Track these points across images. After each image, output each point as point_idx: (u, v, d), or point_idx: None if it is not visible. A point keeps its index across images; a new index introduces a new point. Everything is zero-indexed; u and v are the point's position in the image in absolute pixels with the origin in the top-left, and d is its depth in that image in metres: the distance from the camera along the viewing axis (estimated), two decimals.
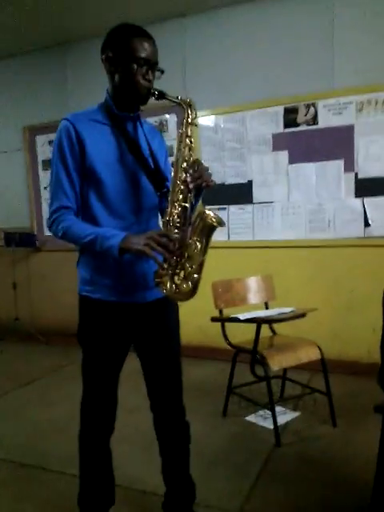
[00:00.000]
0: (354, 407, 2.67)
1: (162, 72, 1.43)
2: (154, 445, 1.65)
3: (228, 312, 2.62)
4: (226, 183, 3.62)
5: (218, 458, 2.21)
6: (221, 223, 1.37)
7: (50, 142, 4.29)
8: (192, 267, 1.37)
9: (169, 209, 1.38)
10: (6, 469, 2.19)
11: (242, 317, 2.41)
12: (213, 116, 3.62)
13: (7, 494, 1.98)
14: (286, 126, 3.41)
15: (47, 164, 4.33)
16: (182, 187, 1.38)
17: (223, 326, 2.60)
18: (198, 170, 1.38)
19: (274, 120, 3.45)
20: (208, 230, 1.38)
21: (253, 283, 2.81)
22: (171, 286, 1.38)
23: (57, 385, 3.29)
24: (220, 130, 3.63)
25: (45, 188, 4.38)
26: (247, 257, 3.52)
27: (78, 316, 1.55)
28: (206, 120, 3.66)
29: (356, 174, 3.22)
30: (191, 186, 1.37)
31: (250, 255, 3.53)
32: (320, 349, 2.49)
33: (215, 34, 3.56)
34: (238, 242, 3.57)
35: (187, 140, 1.41)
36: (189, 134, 1.41)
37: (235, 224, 3.61)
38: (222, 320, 2.59)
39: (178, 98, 1.42)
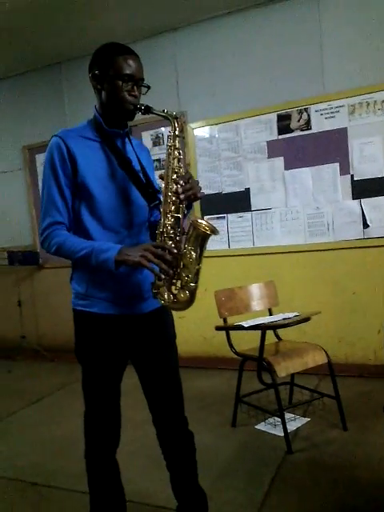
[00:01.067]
0: (364, 409, 2.65)
1: (148, 88, 1.46)
2: (163, 458, 1.64)
3: (232, 320, 2.63)
4: (224, 192, 3.65)
5: (230, 468, 2.19)
6: (214, 231, 1.39)
7: None
8: (188, 276, 1.38)
9: (162, 220, 1.40)
10: (16, 489, 2.19)
11: (246, 324, 2.41)
12: (207, 127, 3.66)
13: None
14: (280, 132, 3.44)
15: None
16: (173, 198, 1.40)
17: (228, 335, 2.60)
18: (188, 182, 1.40)
19: (267, 127, 3.48)
20: (202, 238, 1.39)
21: (255, 290, 2.81)
22: (169, 296, 1.39)
23: (64, 402, 3.29)
24: (215, 140, 3.66)
25: None
26: (248, 264, 3.53)
27: (74, 332, 1.53)
28: (200, 131, 3.70)
29: (352, 176, 3.24)
30: (182, 196, 1.38)
31: (252, 262, 3.54)
32: (326, 352, 2.49)
33: (206, 46, 3.61)
34: (238, 250, 3.59)
35: (176, 152, 1.43)
36: (177, 145, 1.44)
37: (235, 232, 3.63)
38: (226, 328, 2.59)
39: (163, 111, 1.44)
